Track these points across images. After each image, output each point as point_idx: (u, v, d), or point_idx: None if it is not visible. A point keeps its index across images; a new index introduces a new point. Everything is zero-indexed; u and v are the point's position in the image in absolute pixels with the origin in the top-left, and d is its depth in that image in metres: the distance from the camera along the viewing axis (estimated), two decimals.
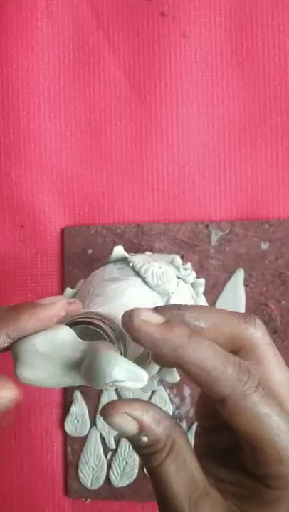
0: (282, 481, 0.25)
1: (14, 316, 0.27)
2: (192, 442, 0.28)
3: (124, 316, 0.26)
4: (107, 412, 0.25)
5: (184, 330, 0.24)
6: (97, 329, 0.28)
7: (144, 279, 0.36)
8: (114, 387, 0.25)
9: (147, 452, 0.26)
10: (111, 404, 0.25)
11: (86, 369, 0.25)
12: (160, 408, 0.26)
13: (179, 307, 0.26)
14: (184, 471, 0.25)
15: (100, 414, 0.26)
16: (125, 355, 0.28)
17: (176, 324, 0.25)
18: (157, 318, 0.25)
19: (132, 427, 0.25)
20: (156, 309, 0.26)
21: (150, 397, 0.50)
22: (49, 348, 0.26)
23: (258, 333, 0.26)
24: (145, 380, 0.24)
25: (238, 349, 0.26)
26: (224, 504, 0.26)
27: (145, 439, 0.25)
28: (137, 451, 0.27)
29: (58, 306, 0.27)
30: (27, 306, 0.27)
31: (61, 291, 0.52)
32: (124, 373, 0.24)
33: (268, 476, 0.25)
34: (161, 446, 0.25)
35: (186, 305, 0.26)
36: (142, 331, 0.24)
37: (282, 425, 0.24)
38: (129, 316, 0.25)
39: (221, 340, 0.26)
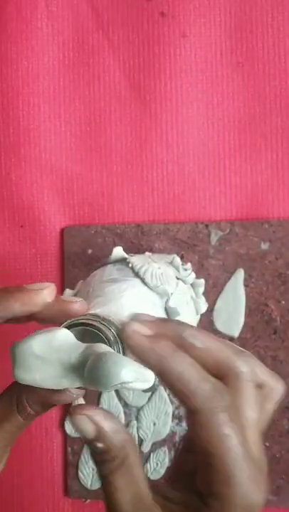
0: (223, 502, 0.26)
1: (3, 297, 0.29)
2: None
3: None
4: (72, 411, 0.27)
5: (170, 343, 0.27)
6: (96, 331, 0.28)
7: (143, 280, 0.36)
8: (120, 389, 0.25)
9: (100, 459, 0.27)
10: (78, 406, 0.27)
11: (90, 372, 0.25)
12: (121, 423, 0.28)
13: (182, 323, 0.28)
14: (132, 487, 0.27)
15: (68, 413, 0.27)
16: None
17: (163, 338, 0.27)
18: (147, 331, 0.27)
19: (89, 430, 0.27)
20: (161, 320, 0.28)
21: (150, 397, 0.50)
22: (46, 350, 0.26)
23: (244, 368, 0.27)
24: (152, 380, 0.25)
25: (221, 378, 0.27)
26: None
27: (100, 445, 0.27)
28: (92, 457, 0.28)
29: (44, 292, 0.29)
30: (16, 290, 0.29)
31: (61, 291, 0.52)
32: (133, 374, 0.24)
33: (212, 494, 0.26)
34: (114, 455, 0.27)
35: (188, 324, 0.28)
36: (132, 340, 0.27)
37: (239, 451, 0.26)
38: (123, 325, 0.27)
39: (208, 363, 0.27)
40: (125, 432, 0.27)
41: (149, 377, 0.25)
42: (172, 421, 0.50)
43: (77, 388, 0.28)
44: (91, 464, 0.51)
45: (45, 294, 0.29)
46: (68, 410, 0.27)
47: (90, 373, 0.25)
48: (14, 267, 0.53)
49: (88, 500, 0.52)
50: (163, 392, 0.50)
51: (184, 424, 0.50)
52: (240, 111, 0.52)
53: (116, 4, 0.53)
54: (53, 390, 0.27)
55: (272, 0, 0.51)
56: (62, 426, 0.52)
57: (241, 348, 0.28)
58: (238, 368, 0.27)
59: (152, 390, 0.50)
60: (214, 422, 0.26)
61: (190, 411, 0.26)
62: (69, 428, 0.52)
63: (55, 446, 0.53)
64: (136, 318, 0.28)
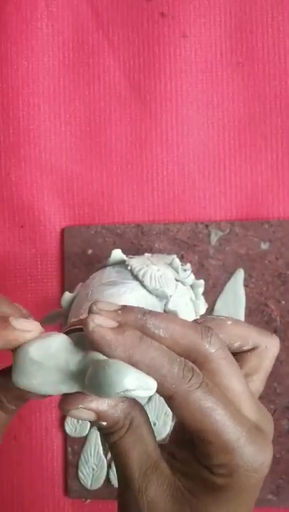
0: (228, 468, 0.26)
1: None
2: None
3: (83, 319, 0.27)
4: (64, 407, 0.27)
5: (135, 332, 0.26)
6: None
7: (142, 283, 0.36)
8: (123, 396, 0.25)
9: (107, 432, 0.28)
10: (66, 399, 0.27)
11: (91, 380, 0.25)
12: None
13: (143, 312, 0.27)
14: (140, 444, 0.28)
15: (58, 407, 0.27)
16: None
17: (128, 328, 0.26)
18: (110, 323, 0.26)
19: (89, 417, 0.27)
20: (122, 309, 0.27)
21: (150, 397, 0.50)
22: (43, 356, 0.26)
23: (212, 349, 0.27)
24: (154, 388, 0.25)
25: (192, 361, 0.27)
26: (171, 478, 0.28)
27: (104, 423, 0.27)
28: (98, 430, 0.28)
29: (28, 336, 0.27)
30: (0, 325, 0.27)
31: (61, 292, 0.52)
32: (135, 382, 0.24)
33: (214, 466, 0.27)
34: (120, 426, 0.27)
35: (150, 311, 0.27)
36: (96, 334, 0.26)
37: (228, 418, 0.26)
38: (85, 321, 0.26)
39: (176, 351, 0.27)
40: (124, 398, 0.27)
41: (151, 385, 0.25)
42: (172, 421, 0.50)
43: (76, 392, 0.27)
44: (91, 464, 0.51)
45: (28, 337, 0.27)
46: (58, 404, 0.27)
47: (91, 381, 0.25)
48: (14, 267, 0.53)
49: (88, 500, 0.52)
50: None
51: None
52: (240, 111, 0.52)
53: (116, 4, 0.53)
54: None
55: (272, 0, 0.51)
56: (62, 426, 0.52)
57: (207, 326, 0.28)
58: (206, 351, 0.27)
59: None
60: (193, 400, 0.26)
61: (168, 397, 0.26)
62: (69, 428, 0.52)
63: (55, 446, 0.53)
64: (96, 306, 0.27)
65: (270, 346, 0.30)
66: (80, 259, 0.52)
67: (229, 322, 0.30)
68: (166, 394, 0.26)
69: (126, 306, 0.27)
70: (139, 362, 0.25)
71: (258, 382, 0.30)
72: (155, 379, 0.25)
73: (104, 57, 0.53)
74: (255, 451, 0.26)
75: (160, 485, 0.27)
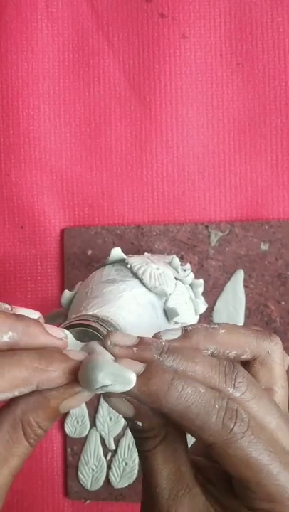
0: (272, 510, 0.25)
1: (42, 370, 0.24)
2: None
3: None
4: (109, 393, 0.25)
5: (163, 377, 0.24)
6: (93, 331, 0.28)
7: (141, 281, 0.36)
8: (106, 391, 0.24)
9: (140, 436, 0.26)
10: None
11: (80, 375, 0.25)
12: None
13: (160, 351, 0.25)
14: (172, 463, 0.26)
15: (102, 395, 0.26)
16: None
17: (154, 371, 0.24)
18: (137, 368, 0.24)
19: (128, 411, 0.25)
20: (138, 346, 0.25)
21: None
22: None
23: (237, 393, 0.25)
24: (133, 381, 0.24)
25: (255, 357, 0.26)
26: (204, 504, 0.26)
27: (140, 423, 0.26)
28: (131, 433, 0.27)
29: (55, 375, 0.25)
30: (55, 358, 0.25)
31: (60, 292, 0.52)
32: (110, 377, 0.24)
33: (254, 509, 0.25)
34: (154, 434, 0.26)
35: (168, 349, 0.25)
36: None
37: (272, 468, 0.24)
38: (105, 340, 0.25)
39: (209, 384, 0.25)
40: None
41: (130, 379, 0.24)
42: None
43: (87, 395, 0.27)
44: (91, 464, 0.51)
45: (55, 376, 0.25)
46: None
47: (80, 376, 0.25)
48: (14, 268, 0.53)
49: (88, 501, 0.52)
50: None
51: None
52: (239, 112, 0.52)
53: (116, 5, 0.53)
54: (61, 397, 0.26)
55: (271, 1, 0.51)
56: (62, 427, 0.52)
57: (231, 362, 0.26)
58: (231, 395, 0.25)
59: None
60: (234, 451, 0.24)
61: (207, 446, 0.24)
62: (69, 429, 0.52)
63: (55, 447, 0.53)
64: (111, 339, 0.25)
65: (272, 350, 0.28)
66: (80, 259, 0.52)
67: (222, 330, 0.27)
68: (205, 443, 0.24)
69: (142, 339, 0.25)
70: (169, 412, 0.24)
71: (282, 391, 0.28)
72: (191, 430, 0.24)
73: (104, 58, 0.53)
74: None
75: (192, 511, 0.25)
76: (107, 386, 0.24)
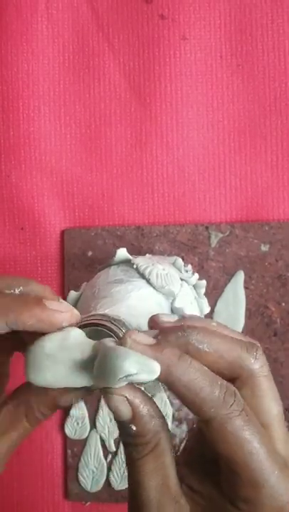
0: (252, 505, 0.25)
1: (18, 308, 0.27)
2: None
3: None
4: (110, 389, 0.26)
5: (174, 351, 0.25)
6: (107, 330, 0.28)
7: (148, 281, 0.36)
8: (128, 383, 0.25)
9: (131, 442, 0.27)
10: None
11: (98, 368, 0.25)
12: (158, 408, 0.27)
13: (184, 328, 0.26)
14: (160, 474, 0.26)
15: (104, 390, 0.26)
16: None
17: (166, 346, 0.25)
18: (148, 340, 0.26)
19: (125, 411, 0.26)
20: (164, 328, 0.26)
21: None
22: (59, 350, 0.26)
23: (256, 365, 0.26)
24: (158, 371, 0.24)
25: (236, 377, 0.27)
26: None
27: (134, 428, 0.26)
28: (122, 438, 0.27)
29: (63, 316, 0.27)
30: (32, 302, 0.27)
31: (61, 294, 0.52)
32: (136, 366, 0.24)
33: (239, 498, 0.26)
34: (146, 441, 0.26)
35: (191, 326, 0.27)
36: (134, 351, 0.25)
37: (262, 453, 0.25)
38: (123, 336, 0.26)
39: (221, 366, 0.26)
40: (161, 418, 0.27)
41: (154, 368, 0.24)
42: (172, 423, 0.50)
43: (86, 391, 0.27)
44: (91, 466, 0.51)
45: (63, 318, 0.27)
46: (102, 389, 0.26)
47: (97, 370, 0.25)
48: (14, 269, 0.53)
49: (88, 503, 0.52)
50: (163, 395, 0.50)
51: (184, 426, 0.50)
52: (240, 113, 0.52)
53: (116, 7, 0.53)
54: (62, 390, 0.27)
55: (271, 2, 0.51)
56: (62, 428, 0.52)
57: (251, 340, 0.27)
58: (251, 365, 0.26)
59: (154, 393, 0.50)
60: (232, 429, 0.25)
61: (204, 420, 0.25)
62: (69, 430, 0.52)
63: (55, 448, 0.53)
64: (131, 337, 0.26)
65: (250, 368, 0.27)
66: (80, 261, 0.52)
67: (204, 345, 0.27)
68: (203, 417, 0.25)
69: (164, 327, 0.27)
70: (175, 382, 0.25)
71: (271, 404, 0.28)
72: (193, 402, 0.25)
73: (104, 59, 0.53)
74: (283, 489, 0.25)
75: None
76: (132, 375, 0.24)
